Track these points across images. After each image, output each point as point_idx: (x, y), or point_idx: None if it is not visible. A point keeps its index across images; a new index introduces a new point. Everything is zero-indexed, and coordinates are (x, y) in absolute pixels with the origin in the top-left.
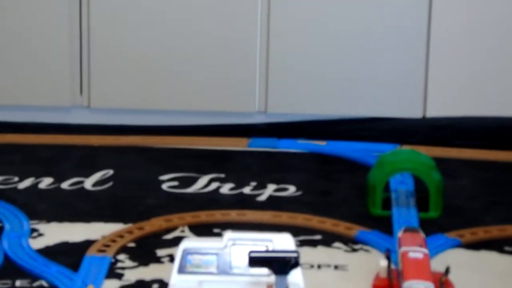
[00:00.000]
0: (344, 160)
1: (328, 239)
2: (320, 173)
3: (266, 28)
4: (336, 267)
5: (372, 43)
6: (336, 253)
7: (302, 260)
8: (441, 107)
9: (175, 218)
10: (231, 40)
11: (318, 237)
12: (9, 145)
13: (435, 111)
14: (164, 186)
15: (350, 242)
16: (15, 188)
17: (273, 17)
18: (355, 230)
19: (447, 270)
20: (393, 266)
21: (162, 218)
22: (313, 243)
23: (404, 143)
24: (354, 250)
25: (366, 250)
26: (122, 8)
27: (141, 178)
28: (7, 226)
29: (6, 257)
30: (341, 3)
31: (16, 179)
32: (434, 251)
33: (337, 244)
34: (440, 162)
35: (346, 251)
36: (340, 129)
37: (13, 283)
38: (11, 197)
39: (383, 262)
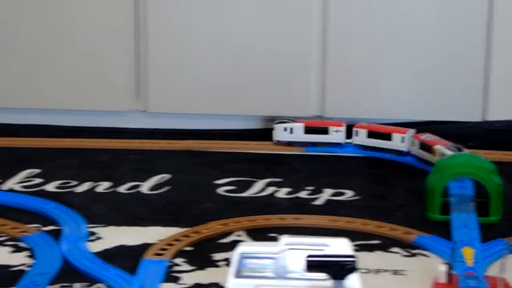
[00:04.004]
0: (401, 164)
1: (385, 244)
2: (377, 177)
3: (322, 32)
4: (393, 272)
5: (431, 47)
6: (394, 258)
7: (359, 264)
8: (502, 110)
9: (231, 222)
10: (288, 44)
11: (375, 241)
12: (67, 149)
13: (495, 114)
14: (220, 190)
15: (408, 247)
16: (73, 192)
17: (329, 24)
18: (413, 235)
19: (502, 268)
20: (453, 271)
21: (219, 222)
22: (371, 248)
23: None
24: (412, 255)
25: (425, 255)
26: (180, 13)
27: (197, 182)
28: (65, 230)
29: (65, 260)
30: (396, 6)
31: (74, 182)
32: (494, 257)
33: (394, 249)
34: (500, 166)
35: (404, 256)
36: None
37: (72, 286)
38: (69, 200)
39: (442, 267)
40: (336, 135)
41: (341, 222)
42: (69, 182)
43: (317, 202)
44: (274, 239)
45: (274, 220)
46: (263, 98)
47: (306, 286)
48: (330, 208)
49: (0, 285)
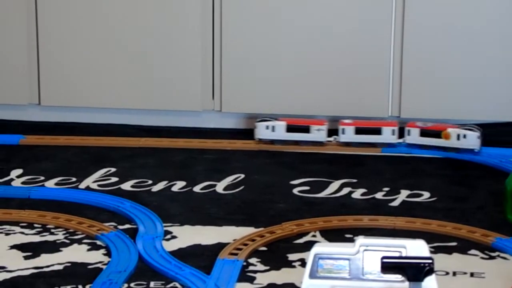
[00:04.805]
0: (480, 166)
1: (464, 246)
2: (455, 179)
3: (400, 35)
4: (472, 274)
5: (503, 47)
6: (472, 261)
7: (436, 267)
8: None
9: (306, 223)
10: (364, 45)
11: (453, 244)
12: (143, 149)
13: None
14: (295, 191)
15: (487, 249)
16: (149, 191)
17: (407, 25)
18: (492, 237)
19: None
20: None
21: (294, 222)
22: (448, 250)
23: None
24: (491, 257)
25: (504, 258)
26: (254, 15)
27: (272, 182)
28: (141, 228)
29: (141, 259)
30: (473, 8)
31: (150, 182)
32: None
33: (473, 251)
34: None
35: (482, 258)
36: None
37: (148, 284)
38: (145, 199)
39: None
40: (318, 133)
41: (418, 223)
42: (145, 181)
43: (393, 204)
44: (350, 240)
45: (349, 221)
46: (339, 99)
47: None
48: (407, 209)
49: (77, 282)
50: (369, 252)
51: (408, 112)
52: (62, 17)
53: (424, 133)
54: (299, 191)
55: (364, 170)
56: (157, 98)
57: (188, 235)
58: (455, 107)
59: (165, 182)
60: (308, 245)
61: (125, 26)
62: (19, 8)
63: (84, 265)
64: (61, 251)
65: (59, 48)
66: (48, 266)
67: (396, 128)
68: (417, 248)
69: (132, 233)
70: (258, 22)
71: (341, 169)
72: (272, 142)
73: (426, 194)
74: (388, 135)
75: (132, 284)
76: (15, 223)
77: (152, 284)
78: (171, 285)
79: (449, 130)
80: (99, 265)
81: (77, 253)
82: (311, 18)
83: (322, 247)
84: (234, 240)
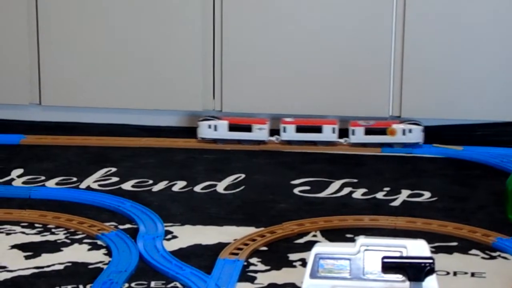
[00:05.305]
0: (481, 166)
1: (464, 246)
2: (456, 179)
3: (401, 33)
4: (472, 274)
5: (504, 46)
6: (473, 261)
7: (437, 266)
8: None
9: (307, 223)
10: (365, 46)
11: (454, 243)
12: (144, 149)
13: None
14: (296, 191)
15: (487, 249)
16: (150, 191)
17: (408, 23)
18: (493, 237)
19: None
20: None
21: (294, 222)
22: (449, 250)
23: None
24: (492, 257)
25: (505, 258)
26: (255, 14)
27: (272, 182)
28: (142, 228)
29: (142, 259)
30: (474, 8)
31: (150, 181)
32: None
33: (474, 251)
34: None
35: (483, 258)
36: (476, 134)
37: (149, 284)
38: (146, 199)
39: None
40: (260, 132)
41: (419, 223)
42: (146, 181)
43: (394, 203)
44: (351, 240)
45: (350, 221)
46: (340, 99)
47: None
48: (408, 209)
49: (78, 282)
50: (369, 252)
51: (409, 112)
52: (63, 17)
53: (369, 131)
54: (300, 191)
55: (364, 170)
56: (158, 98)
57: (189, 235)
58: (455, 106)
59: (166, 182)
60: (309, 245)
61: (126, 26)
62: (20, 8)
63: (84, 264)
64: (61, 250)
65: (59, 48)
66: (49, 266)
67: (336, 127)
68: (418, 248)
69: (133, 233)
70: (259, 22)
71: (342, 169)
72: (215, 141)
73: (427, 194)
74: (328, 134)
75: (132, 284)
76: (16, 223)
77: (152, 284)
78: (171, 285)
79: (394, 126)
80: (99, 265)
81: (78, 253)
82: (311, 18)
83: (323, 247)
84: (234, 240)
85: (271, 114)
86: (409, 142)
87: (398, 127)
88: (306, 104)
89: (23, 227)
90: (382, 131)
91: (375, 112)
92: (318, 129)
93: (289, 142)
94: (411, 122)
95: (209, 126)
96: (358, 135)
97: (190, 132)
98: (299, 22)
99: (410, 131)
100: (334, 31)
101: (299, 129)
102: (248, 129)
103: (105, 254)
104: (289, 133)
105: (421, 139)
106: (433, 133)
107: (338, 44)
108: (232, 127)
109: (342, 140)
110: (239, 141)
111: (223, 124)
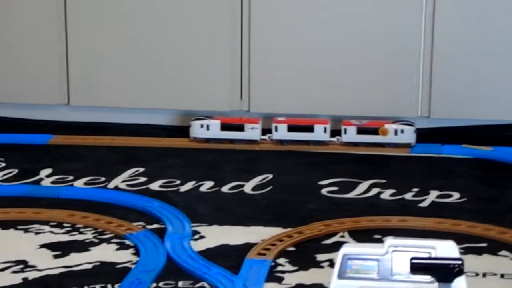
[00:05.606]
0: (510, 166)
1: (494, 247)
2: (485, 180)
3: (430, 33)
4: (502, 276)
5: None
6: (503, 262)
7: (466, 268)
8: None
9: (335, 223)
10: (394, 45)
11: (483, 244)
12: (172, 149)
13: None
14: (324, 191)
15: None
16: (177, 191)
17: (438, 23)
18: None
19: None
20: None
21: (322, 223)
22: (478, 251)
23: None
24: None
25: None
26: (282, 16)
27: (300, 182)
28: (169, 228)
29: (169, 258)
30: (504, 6)
31: (178, 182)
32: None
33: (503, 252)
34: None
35: None
36: (506, 135)
37: (176, 284)
38: (173, 199)
39: None
40: (252, 132)
41: (447, 224)
42: (173, 181)
43: (422, 204)
44: (379, 240)
45: (378, 221)
46: (370, 99)
47: None
48: (436, 210)
49: (106, 281)
50: (398, 253)
51: (438, 112)
52: (91, 19)
53: (361, 130)
54: (328, 192)
55: (393, 171)
56: (186, 98)
57: (216, 235)
58: (485, 107)
59: (193, 182)
60: (337, 246)
61: (154, 27)
62: (49, 10)
63: (112, 264)
64: (90, 250)
65: (88, 49)
66: (77, 265)
67: (328, 126)
68: (447, 249)
69: (161, 233)
70: (288, 25)
71: (370, 170)
72: (207, 140)
73: (455, 195)
74: (320, 133)
75: (160, 284)
76: (45, 222)
77: (180, 283)
78: (199, 284)
79: (386, 126)
80: (127, 264)
81: (106, 253)
82: (341, 17)
83: (351, 248)
84: (262, 240)
85: (298, 114)
86: (401, 143)
87: (390, 127)
88: (334, 104)
89: (51, 226)
90: (375, 131)
91: (404, 112)
92: (310, 129)
93: (281, 142)
94: (403, 122)
95: (202, 126)
96: (350, 135)
97: None
98: (327, 23)
99: (402, 131)
100: (364, 31)
101: (291, 129)
102: (240, 128)
103: (133, 254)
104: (281, 132)
105: (413, 140)
106: (462, 134)
107: (367, 45)
108: (225, 127)
109: (334, 139)
110: (232, 141)
111: (216, 123)
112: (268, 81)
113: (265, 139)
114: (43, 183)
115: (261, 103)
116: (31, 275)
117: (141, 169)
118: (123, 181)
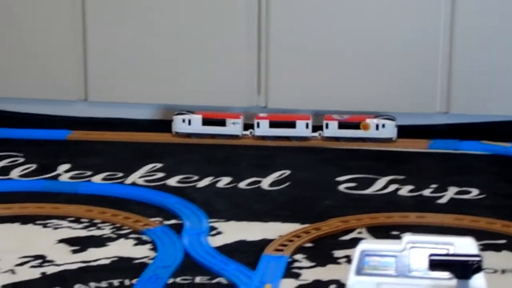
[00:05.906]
0: None
1: None
2: (504, 176)
3: (449, 27)
4: None
5: None
6: None
7: (485, 264)
8: None
9: (352, 220)
10: (413, 40)
11: (502, 241)
12: (189, 145)
13: None
14: (341, 187)
15: None
16: (195, 187)
17: (457, 16)
18: None
19: None
20: None
21: (339, 219)
22: (497, 248)
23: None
24: None
25: None
26: (301, 11)
27: (317, 178)
28: (187, 224)
29: (186, 254)
30: None
31: (195, 177)
32: None
33: None
34: None
35: None
36: None
37: (193, 279)
38: (190, 195)
39: None
40: (233, 127)
41: (466, 221)
42: (191, 177)
43: (441, 201)
44: (397, 237)
45: (396, 218)
46: (387, 95)
47: (429, 285)
48: (455, 206)
49: (124, 276)
50: (416, 249)
51: (457, 107)
52: (109, 14)
53: (343, 125)
54: (345, 188)
55: (411, 167)
56: (204, 94)
57: (234, 231)
58: (504, 102)
59: (211, 178)
60: (354, 242)
61: (171, 23)
62: (68, 7)
63: (130, 259)
64: (107, 245)
65: (106, 45)
66: (95, 260)
67: (309, 122)
68: (465, 246)
69: (178, 229)
70: (306, 19)
71: (388, 166)
72: (189, 135)
73: (474, 191)
74: (302, 129)
75: (177, 279)
76: (63, 218)
77: (197, 279)
78: (216, 280)
79: (368, 120)
80: (145, 259)
81: (124, 248)
82: (360, 13)
83: (368, 244)
84: (279, 236)
85: (315, 110)
86: (382, 137)
87: (371, 121)
88: (351, 100)
89: (70, 221)
90: (356, 125)
91: (423, 108)
92: (291, 125)
93: (263, 138)
94: (385, 117)
95: (183, 120)
96: (332, 129)
97: None
98: (346, 21)
99: (383, 126)
100: (383, 27)
101: (273, 125)
102: (222, 123)
103: (150, 249)
104: (263, 128)
105: (395, 135)
106: (481, 130)
107: (385, 40)
108: (206, 122)
109: (316, 134)
110: (213, 136)
111: (197, 118)
112: (287, 76)
113: (246, 134)
114: (61, 178)
115: (279, 99)
116: (49, 270)
117: (159, 165)
118: (140, 177)
